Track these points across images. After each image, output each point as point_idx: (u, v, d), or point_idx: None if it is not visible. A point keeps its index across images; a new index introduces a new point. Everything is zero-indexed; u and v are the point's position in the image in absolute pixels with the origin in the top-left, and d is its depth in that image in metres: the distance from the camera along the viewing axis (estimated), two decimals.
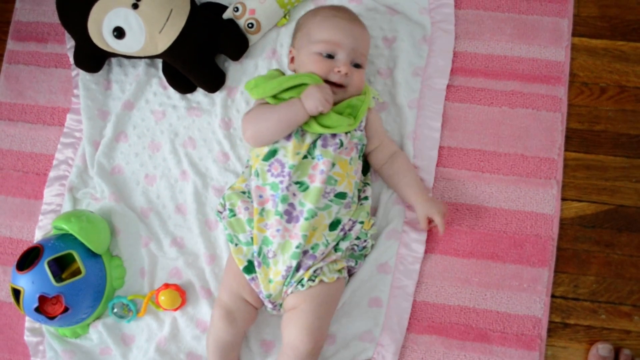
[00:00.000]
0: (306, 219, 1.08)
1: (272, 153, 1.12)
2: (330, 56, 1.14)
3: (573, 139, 1.27)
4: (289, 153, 1.11)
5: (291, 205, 1.10)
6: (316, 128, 1.11)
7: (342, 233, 1.13)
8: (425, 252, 1.21)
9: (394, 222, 1.21)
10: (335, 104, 1.13)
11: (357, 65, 1.16)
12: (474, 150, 1.26)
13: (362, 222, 1.14)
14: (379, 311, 1.18)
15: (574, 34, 1.32)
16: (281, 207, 1.09)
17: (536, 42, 1.30)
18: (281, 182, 1.10)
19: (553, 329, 1.20)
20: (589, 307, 1.20)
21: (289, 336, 1.07)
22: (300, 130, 1.12)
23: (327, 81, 1.13)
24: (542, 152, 1.25)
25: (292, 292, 1.09)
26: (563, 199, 1.24)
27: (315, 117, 1.11)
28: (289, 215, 1.09)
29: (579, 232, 1.23)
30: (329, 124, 1.11)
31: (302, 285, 1.09)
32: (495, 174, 1.25)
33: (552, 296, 1.21)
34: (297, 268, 1.09)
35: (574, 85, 1.29)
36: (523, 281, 1.20)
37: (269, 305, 1.13)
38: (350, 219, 1.13)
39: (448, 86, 1.28)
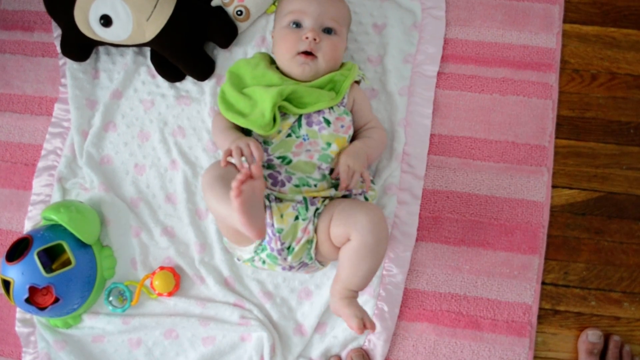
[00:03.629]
0: (296, 185, 1.07)
1: (248, 133, 1.13)
2: (298, 26, 1.14)
3: (564, 126, 1.27)
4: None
5: (276, 171, 1.08)
6: (292, 109, 1.10)
7: (348, 192, 1.11)
8: (417, 239, 1.21)
9: (385, 209, 1.21)
10: (315, 78, 1.13)
11: (329, 31, 1.14)
12: (465, 138, 1.26)
13: (366, 199, 1.12)
14: (370, 299, 1.18)
15: (565, 21, 1.31)
16: (265, 172, 1.08)
17: (527, 29, 1.30)
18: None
19: (543, 316, 1.20)
20: (579, 294, 1.21)
21: (350, 228, 0.97)
22: (281, 111, 1.11)
23: (298, 53, 1.12)
24: (532, 139, 1.25)
25: (316, 221, 1.03)
26: (553, 186, 1.25)
27: (291, 99, 1.10)
28: (274, 179, 1.08)
29: (569, 219, 1.24)
30: (308, 101, 1.11)
31: (319, 209, 1.05)
32: (486, 162, 1.25)
33: (543, 283, 1.21)
34: (312, 202, 1.05)
35: (565, 72, 1.29)
36: (513, 268, 1.20)
37: (277, 245, 1.03)
38: (361, 189, 1.12)
39: (439, 73, 1.28)
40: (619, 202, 1.24)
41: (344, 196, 1.12)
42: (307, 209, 1.04)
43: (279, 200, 1.07)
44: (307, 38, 1.11)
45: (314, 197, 1.07)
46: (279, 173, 1.08)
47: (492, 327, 1.18)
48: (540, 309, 1.20)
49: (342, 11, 1.17)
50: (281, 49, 1.15)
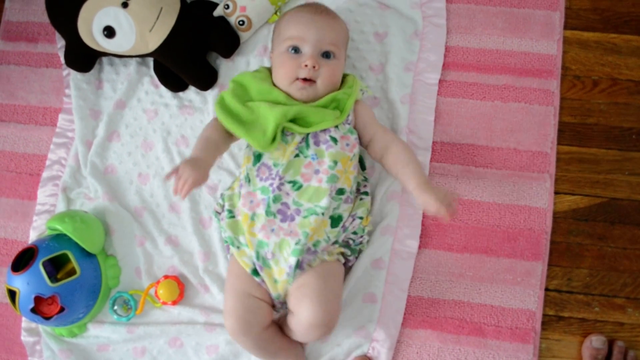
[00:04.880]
0: (305, 217, 1.08)
1: (258, 157, 1.12)
2: (297, 52, 1.13)
3: (566, 133, 1.27)
4: (274, 154, 1.11)
5: (284, 204, 1.09)
6: (297, 129, 1.10)
7: (342, 229, 1.13)
8: (419, 247, 1.22)
9: (388, 217, 1.21)
10: (315, 99, 1.13)
11: (327, 55, 1.14)
12: (467, 145, 1.26)
13: (361, 218, 1.14)
14: (374, 307, 1.18)
15: (565, 27, 1.31)
16: (274, 207, 1.08)
17: (528, 36, 1.30)
18: (271, 184, 1.09)
19: (547, 322, 1.20)
20: (582, 300, 1.21)
21: (300, 312, 1.03)
22: (286, 130, 1.12)
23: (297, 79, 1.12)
24: (534, 146, 1.25)
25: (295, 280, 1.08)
26: (556, 193, 1.25)
27: (295, 118, 1.10)
28: (283, 215, 1.08)
29: (572, 225, 1.24)
30: (313, 120, 1.11)
31: (303, 271, 1.07)
32: (488, 169, 1.25)
33: (546, 289, 1.21)
34: (299, 265, 1.07)
35: (566, 78, 1.29)
36: (517, 275, 1.20)
37: (278, 305, 1.12)
38: (350, 215, 1.13)
39: (440, 81, 1.28)
40: (621, 207, 1.24)
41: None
42: (294, 275, 1.07)
43: (266, 260, 1.09)
44: (306, 66, 1.11)
45: (306, 253, 1.08)
46: (288, 207, 1.09)
47: (496, 334, 1.19)
48: (544, 315, 1.20)
49: (341, 34, 1.17)
50: (280, 74, 1.14)
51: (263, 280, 1.09)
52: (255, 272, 1.10)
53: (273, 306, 1.12)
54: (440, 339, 1.19)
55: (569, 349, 1.20)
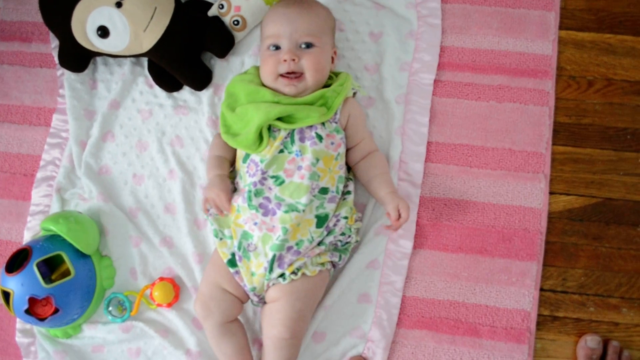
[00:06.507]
0: (285, 212, 1.09)
1: (248, 154, 1.14)
2: (277, 48, 1.14)
3: (561, 133, 1.27)
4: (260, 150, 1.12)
5: (266, 198, 1.10)
6: (282, 125, 1.11)
7: (326, 230, 1.13)
8: (414, 247, 1.22)
9: (382, 218, 1.21)
10: (308, 90, 1.14)
11: (308, 45, 1.14)
12: (462, 145, 1.26)
13: (346, 217, 1.14)
14: (368, 307, 1.19)
15: (561, 27, 1.31)
16: (255, 201, 1.10)
17: (523, 36, 1.30)
18: (254, 179, 1.11)
19: (542, 322, 1.20)
20: (577, 300, 1.21)
21: (267, 328, 1.09)
22: (271, 126, 1.12)
23: (280, 75, 1.13)
24: (529, 146, 1.25)
25: (273, 285, 1.10)
26: (551, 193, 1.25)
27: (281, 116, 1.11)
28: (265, 209, 1.10)
29: (567, 225, 1.24)
30: (298, 117, 1.11)
31: (284, 279, 1.09)
32: (483, 169, 1.25)
33: (541, 289, 1.21)
34: (280, 263, 1.09)
35: (561, 78, 1.29)
36: (512, 275, 1.21)
37: (255, 299, 1.13)
38: (334, 215, 1.14)
39: (435, 81, 1.28)
40: (616, 208, 1.24)
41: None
42: (271, 269, 1.09)
43: (246, 251, 1.11)
44: (285, 61, 1.12)
45: (286, 252, 1.09)
46: (269, 201, 1.10)
47: (491, 334, 1.19)
48: (539, 315, 1.20)
49: (318, 22, 1.16)
50: (263, 72, 1.16)
51: (238, 272, 1.11)
52: (232, 262, 1.12)
53: (249, 300, 1.14)
54: (435, 339, 1.19)
55: (563, 349, 1.20)
